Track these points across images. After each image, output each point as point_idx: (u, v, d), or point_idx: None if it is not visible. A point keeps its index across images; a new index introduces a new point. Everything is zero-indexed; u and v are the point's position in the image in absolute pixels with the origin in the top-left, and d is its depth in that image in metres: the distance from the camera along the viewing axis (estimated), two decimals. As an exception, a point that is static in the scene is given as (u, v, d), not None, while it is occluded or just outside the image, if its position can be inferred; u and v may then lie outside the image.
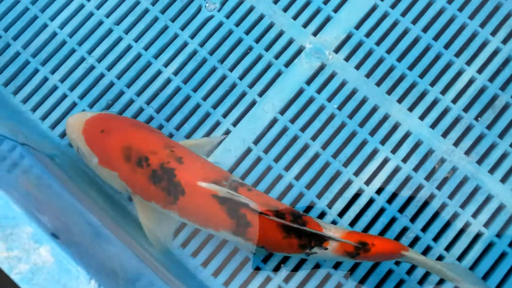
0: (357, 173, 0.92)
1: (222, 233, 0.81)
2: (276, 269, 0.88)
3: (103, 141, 0.84)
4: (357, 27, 0.98)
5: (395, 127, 0.94)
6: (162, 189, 0.80)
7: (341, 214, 0.90)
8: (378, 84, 0.96)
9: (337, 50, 0.98)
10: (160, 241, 0.87)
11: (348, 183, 0.91)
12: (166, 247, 0.88)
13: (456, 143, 0.92)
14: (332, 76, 0.96)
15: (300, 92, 0.96)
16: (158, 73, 0.98)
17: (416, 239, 0.89)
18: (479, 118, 0.93)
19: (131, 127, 0.86)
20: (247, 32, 0.99)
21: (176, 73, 0.97)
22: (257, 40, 0.98)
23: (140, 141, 0.83)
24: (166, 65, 0.98)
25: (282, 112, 0.95)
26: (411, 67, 0.96)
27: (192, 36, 0.99)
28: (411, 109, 0.94)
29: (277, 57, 0.97)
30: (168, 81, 0.98)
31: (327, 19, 0.99)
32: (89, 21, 1.00)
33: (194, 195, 0.79)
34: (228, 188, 0.79)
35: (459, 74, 0.95)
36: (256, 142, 0.94)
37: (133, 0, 1.00)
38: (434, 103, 0.94)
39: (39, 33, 0.99)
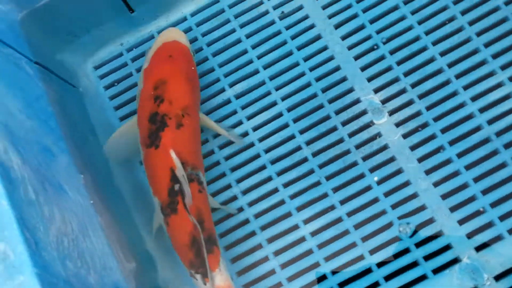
0: None
1: (155, 199, 0.82)
2: None
3: (158, 64, 0.87)
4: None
5: None
6: (148, 128, 0.83)
7: None
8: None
9: (497, 277, 0.82)
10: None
11: None
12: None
13: None
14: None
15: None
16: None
17: None
18: None
19: (185, 74, 0.87)
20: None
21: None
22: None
23: (174, 87, 0.85)
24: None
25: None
26: None
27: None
28: None
29: (427, 258, 0.83)
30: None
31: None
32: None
33: (160, 155, 0.81)
34: (187, 174, 0.80)
35: None
36: None
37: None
38: None
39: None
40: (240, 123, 0.93)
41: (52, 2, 0.87)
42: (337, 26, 0.95)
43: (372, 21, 0.94)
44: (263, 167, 0.91)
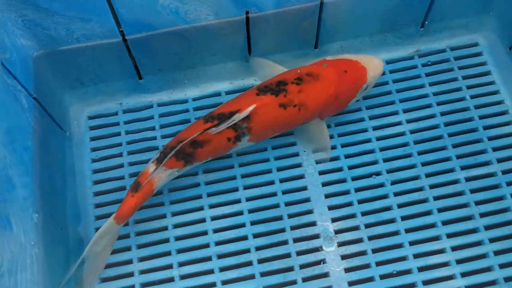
0: None
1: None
2: None
3: (330, 66, 0.92)
4: None
5: None
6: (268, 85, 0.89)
7: None
8: None
9: None
10: None
11: None
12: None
13: None
14: None
15: None
16: None
17: None
18: None
19: (335, 89, 0.90)
20: None
21: None
22: None
23: (317, 91, 0.89)
24: None
25: None
26: None
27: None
28: None
29: None
30: None
31: None
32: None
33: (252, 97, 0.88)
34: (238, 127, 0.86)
35: None
36: None
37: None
38: None
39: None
40: (201, 208, 0.96)
41: (71, 50, 0.92)
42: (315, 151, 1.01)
43: (347, 156, 1.00)
44: (208, 258, 0.92)
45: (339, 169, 0.98)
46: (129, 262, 0.92)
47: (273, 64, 1.01)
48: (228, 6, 0.92)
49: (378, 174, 0.98)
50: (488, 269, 0.90)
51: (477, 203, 0.95)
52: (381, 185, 0.97)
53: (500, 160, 0.98)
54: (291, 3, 0.94)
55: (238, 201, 0.96)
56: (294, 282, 0.90)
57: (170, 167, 0.87)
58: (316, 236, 0.93)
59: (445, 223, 0.94)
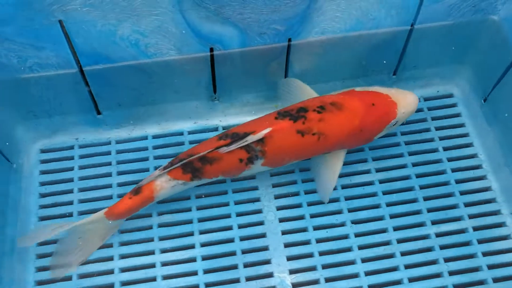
0: None
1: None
2: None
3: (357, 95, 0.89)
4: None
5: None
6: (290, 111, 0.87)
7: None
8: None
9: None
10: None
11: None
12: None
13: None
14: None
15: None
16: None
17: None
18: None
19: (361, 121, 0.87)
20: None
21: None
22: None
23: (340, 120, 0.86)
24: None
25: None
26: None
27: None
28: None
29: None
30: None
31: None
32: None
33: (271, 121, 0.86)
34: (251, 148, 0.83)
35: None
36: None
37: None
38: None
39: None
40: (152, 253, 0.89)
41: (24, 80, 0.87)
42: (277, 197, 0.95)
43: (309, 204, 0.94)
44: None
45: (301, 217, 0.92)
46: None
47: (306, 88, 0.96)
48: (192, 42, 0.88)
49: (342, 225, 0.91)
50: (456, 334, 0.82)
51: (447, 260, 0.88)
52: (345, 237, 0.90)
53: (471, 216, 0.93)
54: (257, 42, 0.91)
55: (192, 247, 0.89)
56: None
57: (175, 178, 0.84)
58: (272, 289, 0.86)
59: (412, 280, 0.87)
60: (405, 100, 0.89)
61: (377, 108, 0.87)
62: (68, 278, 0.87)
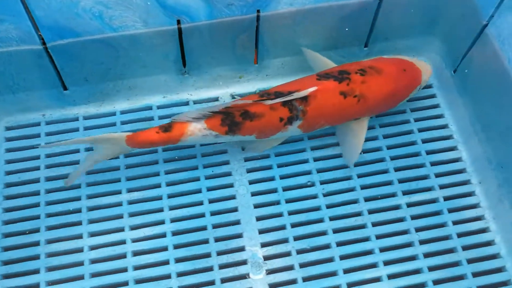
0: None
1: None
2: None
3: (393, 62, 0.92)
4: None
5: None
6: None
7: None
8: None
9: None
10: None
11: None
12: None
13: None
14: None
15: None
16: None
17: None
18: None
19: (395, 86, 0.89)
20: None
21: None
22: None
23: (380, 83, 0.88)
24: None
25: None
26: None
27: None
28: None
29: None
30: None
31: None
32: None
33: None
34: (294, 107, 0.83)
35: None
36: None
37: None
38: None
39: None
40: (122, 230, 0.87)
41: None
42: (250, 171, 0.94)
43: (282, 177, 0.93)
44: (125, 283, 0.83)
45: (273, 190, 0.91)
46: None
47: (324, 59, 0.97)
48: (158, 14, 0.86)
49: (314, 197, 0.91)
50: (426, 300, 0.83)
51: (418, 229, 0.88)
52: (317, 209, 0.90)
53: (442, 187, 0.93)
54: (225, 14, 0.89)
55: (161, 222, 0.88)
56: (216, 312, 0.81)
57: (211, 128, 0.82)
58: (244, 262, 0.85)
59: (382, 250, 0.87)
60: (427, 68, 0.95)
61: (408, 73, 0.91)
62: (36, 257, 0.85)
